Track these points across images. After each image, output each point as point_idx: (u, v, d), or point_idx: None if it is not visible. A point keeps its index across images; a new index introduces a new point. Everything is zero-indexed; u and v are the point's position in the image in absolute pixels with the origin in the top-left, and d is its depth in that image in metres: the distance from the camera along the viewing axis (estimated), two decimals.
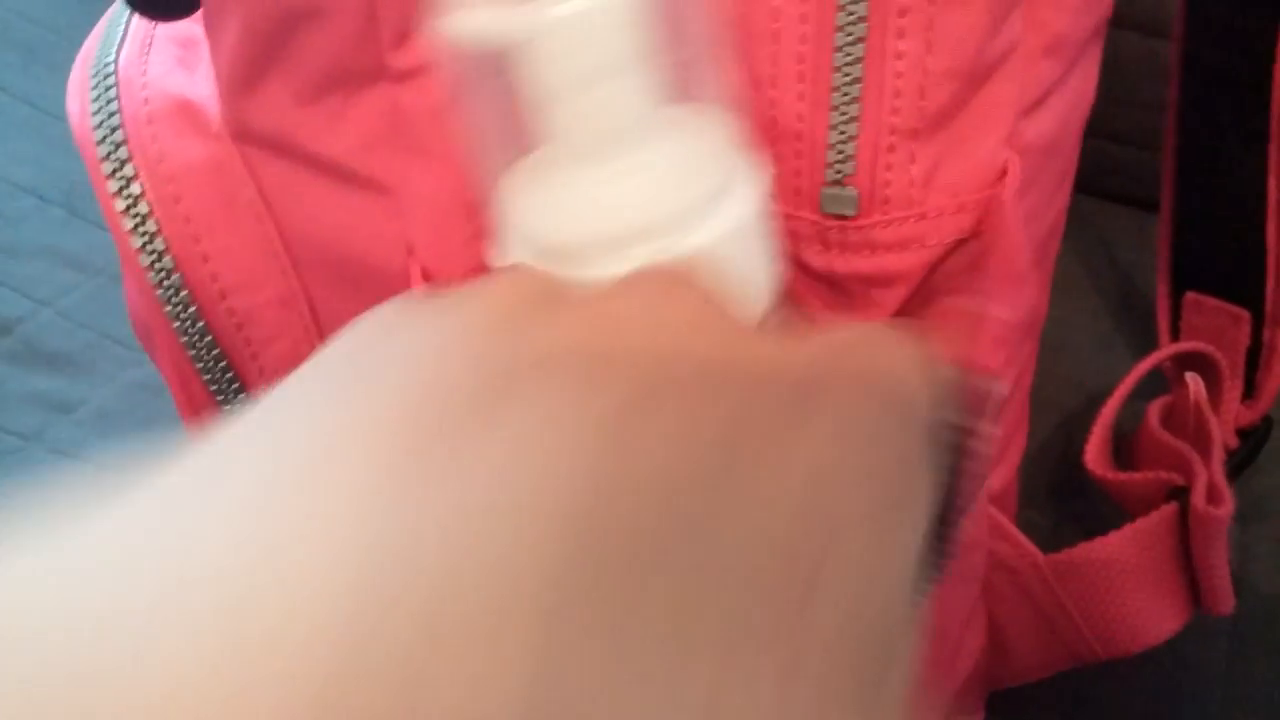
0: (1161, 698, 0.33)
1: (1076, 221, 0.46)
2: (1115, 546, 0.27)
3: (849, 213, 0.22)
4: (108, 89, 0.23)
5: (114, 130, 0.23)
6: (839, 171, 0.22)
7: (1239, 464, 0.38)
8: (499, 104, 0.19)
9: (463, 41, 0.18)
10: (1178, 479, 0.28)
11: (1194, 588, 0.27)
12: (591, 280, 0.18)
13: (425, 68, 0.20)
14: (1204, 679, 0.33)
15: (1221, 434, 0.32)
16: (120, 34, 0.25)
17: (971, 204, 0.22)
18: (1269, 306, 0.36)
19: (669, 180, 0.18)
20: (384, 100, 0.21)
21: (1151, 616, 0.27)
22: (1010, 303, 0.24)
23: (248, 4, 0.20)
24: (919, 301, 0.23)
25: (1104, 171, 0.46)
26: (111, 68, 0.24)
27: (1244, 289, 0.36)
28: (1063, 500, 0.36)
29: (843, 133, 0.21)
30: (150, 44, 0.25)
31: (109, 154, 0.23)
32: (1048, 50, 0.22)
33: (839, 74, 0.21)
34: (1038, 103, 0.22)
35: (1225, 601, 0.27)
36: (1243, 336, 0.36)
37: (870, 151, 0.21)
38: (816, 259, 0.23)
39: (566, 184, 0.18)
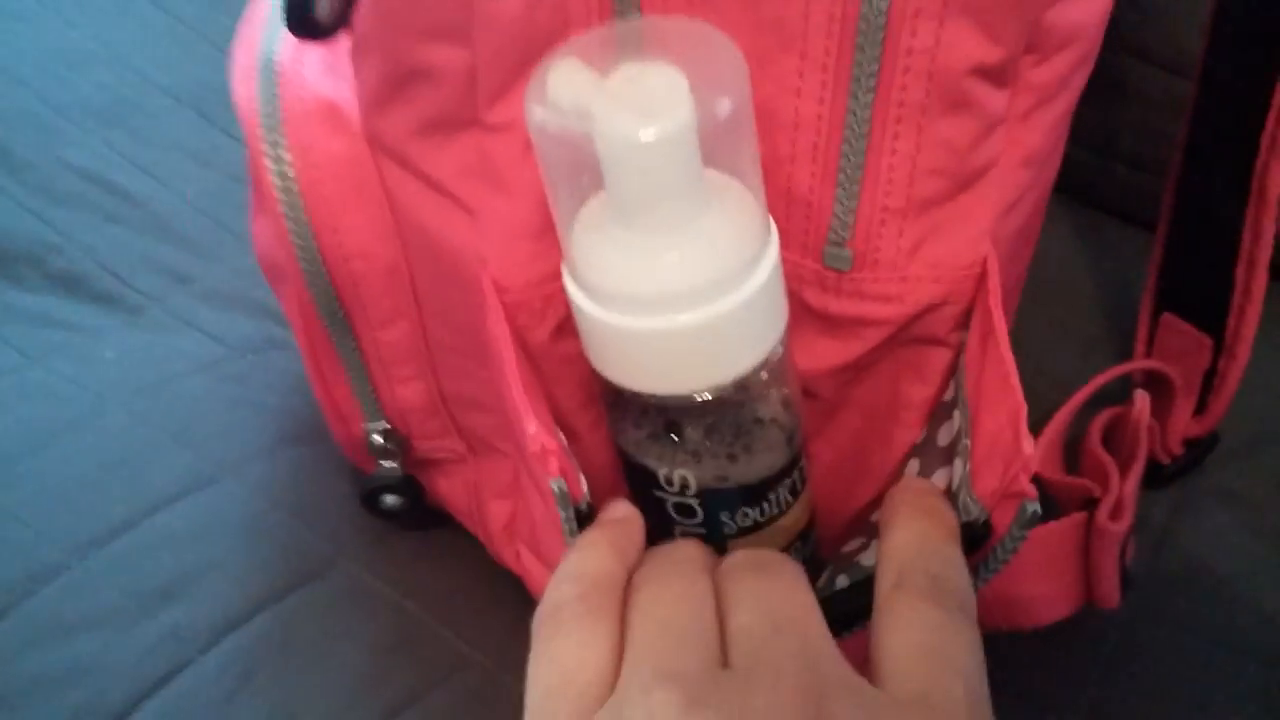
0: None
1: (1088, 235, 0.50)
2: (1026, 541, 0.31)
3: (845, 268, 0.27)
4: (272, 83, 0.28)
5: (276, 121, 0.27)
6: (839, 235, 0.26)
7: (1181, 468, 0.42)
8: (572, 162, 0.23)
9: (550, 129, 0.22)
10: (1097, 491, 0.33)
11: (1088, 584, 0.32)
12: (645, 326, 0.23)
13: (510, 124, 0.25)
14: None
15: (1148, 455, 0.36)
16: (280, 31, 0.29)
17: (947, 279, 0.26)
18: (1229, 338, 0.40)
19: (715, 248, 0.23)
20: (475, 143, 0.25)
21: (1044, 602, 0.31)
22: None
23: (382, 54, 0.25)
24: (896, 342, 0.28)
25: (1122, 193, 0.49)
26: (275, 64, 0.28)
27: (1210, 319, 0.39)
28: None
29: (845, 205, 0.26)
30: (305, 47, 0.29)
31: (271, 139, 0.27)
32: (1024, 162, 0.26)
33: (845, 160, 0.25)
34: (1013, 205, 0.27)
35: (1111, 599, 0.32)
36: (1203, 360, 0.40)
37: (866, 222, 0.26)
38: (815, 299, 0.28)
39: (627, 245, 0.23)
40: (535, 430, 0.24)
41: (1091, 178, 0.50)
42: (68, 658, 0.33)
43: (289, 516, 0.37)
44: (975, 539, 0.25)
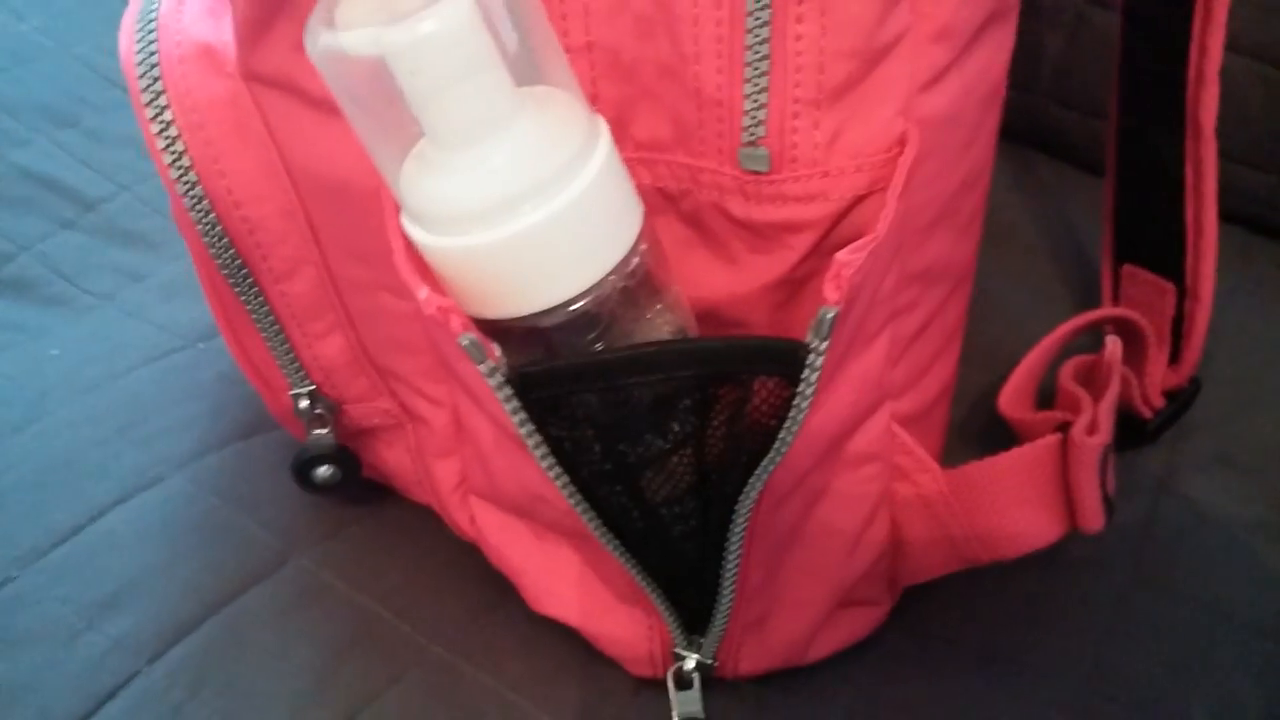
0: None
1: (1055, 190, 0.50)
2: (1002, 465, 0.29)
3: (762, 169, 0.26)
4: (149, 33, 0.28)
5: (152, 68, 0.27)
6: (753, 134, 0.25)
7: (1164, 423, 0.40)
8: (383, 102, 0.22)
9: (334, 55, 0.21)
10: (1071, 418, 0.31)
11: (1070, 508, 0.30)
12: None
13: None
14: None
15: (1127, 381, 0.35)
16: None
17: (869, 165, 0.25)
18: (1189, 280, 0.38)
19: (530, 153, 0.22)
20: None
21: (1028, 527, 0.30)
22: (909, 247, 0.28)
23: None
24: (827, 247, 0.27)
25: (1092, 145, 0.49)
26: (154, 15, 0.28)
27: (1169, 263, 0.38)
28: (992, 438, 0.40)
29: (755, 101, 0.25)
30: None
31: (148, 86, 0.27)
32: (936, 37, 0.25)
33: (750, 51, 0.24)
34: (933, 81, 0.25)
35: (1095, 521, 0.30)
36: (1168, 308, 0.39)
37: (779, 117, 0.25)
38: (738, 209, 0.26)
39: (445, 166, 0.22)
40: (428, 294, 0.23)
41: (1049, 124, 0.49)
42: (9, 675, 0.32)
43: (239, 513, 0.36)
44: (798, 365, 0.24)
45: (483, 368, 0.23)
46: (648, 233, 0.25)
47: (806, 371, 0.24)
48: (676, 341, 0.26)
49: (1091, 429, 0.30)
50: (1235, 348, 0.43)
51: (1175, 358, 0.40)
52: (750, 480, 0.26)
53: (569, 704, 0.32)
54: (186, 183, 0.27)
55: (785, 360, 0.24)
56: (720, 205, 0.27)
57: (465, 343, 0.23)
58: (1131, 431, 0.39)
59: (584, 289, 0.23)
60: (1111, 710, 0.32)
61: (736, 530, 0.27)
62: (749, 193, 0.26)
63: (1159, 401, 0.40)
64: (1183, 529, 0.38)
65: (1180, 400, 0.40)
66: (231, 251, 0.28)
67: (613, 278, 0.23)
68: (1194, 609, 0.35)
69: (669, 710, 0.31)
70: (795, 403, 0.24)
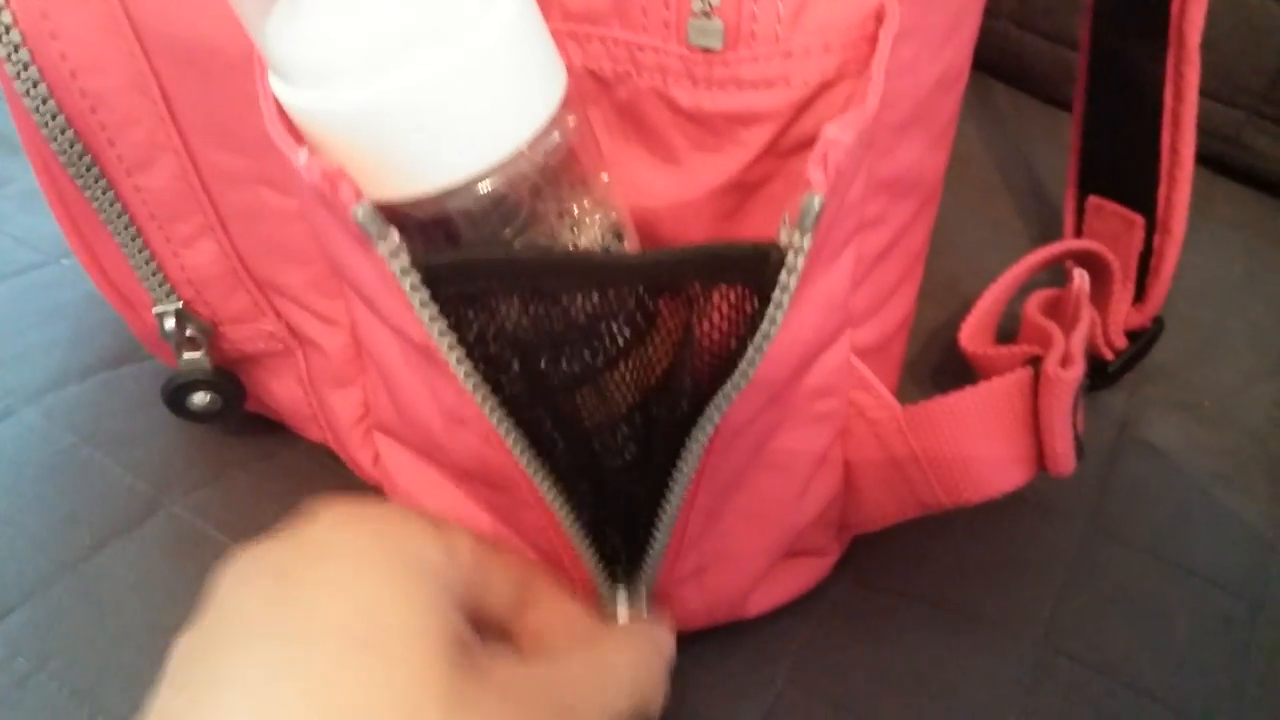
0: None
1: (1013, 119, 0.47)
2: (967, 400, 0.26)
3: (715, 45, 0.22)
4: None
5: None
6: (706, 1, 0.21)
7: (1127, 362, 0.38)
8: None
9: None
10: (1040, 352, 0.29)
11: (1039, 448, 0.28)
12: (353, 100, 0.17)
13: None
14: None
15: (1093, 319, 0.32)
16: None
17: (839, 45, 0.21)
18: (1160, 213, 0.36)
19: None
20: None
21: (993, 468, 0.27)
22: (880, 150, 0.24)
23: None
24: (784, 144, 0.23)
25: (1053, 72, 0.46)
26: None
27: (1140, 194, 0.36)
28: (945, 377, 0.37)
29: None
30: None
31: None
32: None
33: None
34: None
35: (1065, 463, 0.27)
36: (1136, 241, 0.37)
37: None
38: (685, 96, 0.22)
39: (320, 4, 0.17)
40: (308, 157, 0.18)
41: (1009, 49, 0.46)
42: None
43: (101, 453, 0.31)
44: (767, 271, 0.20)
45: (382, 246, 0.19)
46: (574, 104, 0.20)
47: (784, 274, 0.20)
48: (622, 257, 0.22)
49: (1065, 362, 0.27)
50: (1195, 291, 0.41)
51: (1140, 295, 0.37)
52: (708, 410, 0.22)
53: None
54: (9, 44, 0.22)
55: (750, 266, 0.20)
56: (663, 92, 0.23)
57: (360, 214, 0.18)
58: (1091, 373, 0.37)
59: (492, 165, 0.19)
60: (1068, 667, 0.30)
61: (686, 468, 0.23)
62: (698, 76, 0.22)
63: (1121, 342, 0.38)
64: (1143, 478, 0.36)
65: (1143, 341, 0.38)
66: (69, 134, 0.23)
67: (528, 152, 0.19)
68: (1154, 561, 0.33)
69: None
70: (769, 312, 0.20)
